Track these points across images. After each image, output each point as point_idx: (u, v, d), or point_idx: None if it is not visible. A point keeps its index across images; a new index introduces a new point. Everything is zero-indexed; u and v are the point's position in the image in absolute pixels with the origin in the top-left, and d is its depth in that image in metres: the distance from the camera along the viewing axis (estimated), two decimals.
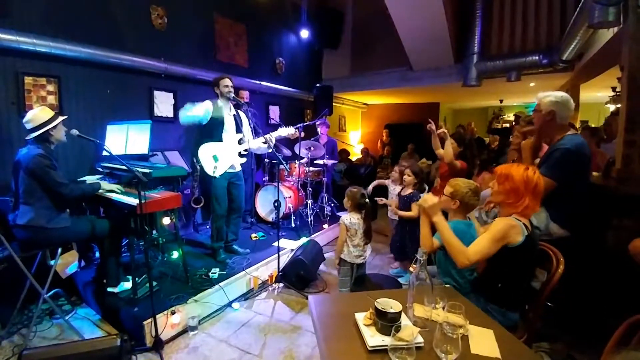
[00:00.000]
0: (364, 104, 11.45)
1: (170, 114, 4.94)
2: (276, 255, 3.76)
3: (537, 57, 5.84)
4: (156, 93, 4.74)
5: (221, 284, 3.34)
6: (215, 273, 3.49)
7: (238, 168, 3.97)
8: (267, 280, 3.81)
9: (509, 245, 1.80)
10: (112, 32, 4.17)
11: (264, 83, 6.49)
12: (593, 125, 7.63)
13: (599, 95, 8.56)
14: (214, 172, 3.68)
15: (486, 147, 7.42)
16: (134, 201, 2.79)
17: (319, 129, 6.09)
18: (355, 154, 9.99)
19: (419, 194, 3.68)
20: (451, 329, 1.27)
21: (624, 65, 2.85)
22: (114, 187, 3.14)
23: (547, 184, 2.18)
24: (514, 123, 8.72)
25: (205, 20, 5.46)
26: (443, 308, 1.46)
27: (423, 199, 2.07)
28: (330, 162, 5.74)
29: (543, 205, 2.36)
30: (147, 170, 3.10)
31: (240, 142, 3.93)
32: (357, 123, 11.70)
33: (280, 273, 3.73)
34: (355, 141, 11.09)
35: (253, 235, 4.74)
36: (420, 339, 1.35)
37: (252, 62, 6.36)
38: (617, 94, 7.14)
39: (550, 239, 2.37)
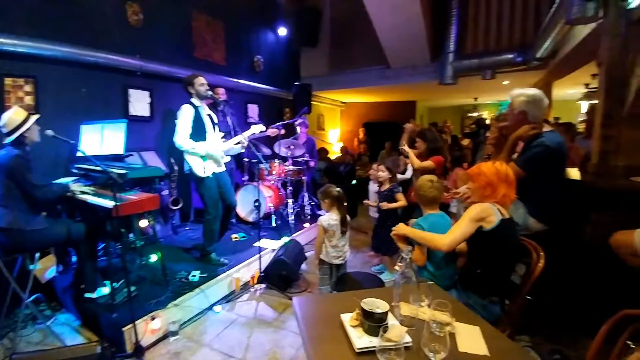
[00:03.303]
0: (342, 102, 11.48)
1: (147, 113, 4.79)
2: (257, 255, 3.71)
3: (511, 55, 5.98)
4: (131, 91, 4.58)
5: (202, 287, 3.28)
6: (195, 276, 3.42)
7: (223, 167, 3.90)
8: (249, 281, 3.75)
9: (484, 228, 1.89)
10: (88, 30, 4.01)
11: (242, 81, 6.40)
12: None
13: (571, 93, 8.82)
14: (204, 172, 3.59)
15: (458, 145, 7.56)
16: (109, 203, 2.70)
17: (297, 128, 6.05)
18: (335, 153, 10.00)
19: (398, 185, 3.79)
20: (438, 327, 1.27)
21: (602, 61, 2.86)
22: (86, 188, 3.04)
23: (517, 173, 2.17)
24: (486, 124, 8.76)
25: (183, 17, 5.33)
26: (428, 306, 1.46)
27: (396, 229, 2.21)
28: (312, 161, 5.72)
29: (521, 201, 2.41)
30: (123, 171, 3.02)
31: (223, 140, 3.88)
32: (336, 121, 11.72)
33: (262, 274, 3.69)
34: (334, 139, 11.12)
35: (233, 235, 4.67)
36: (408, 339, 1.34)
37: (230, 59, 6.26)
38: (592, 90, 7.35)
39: (530, 233, 2.41)
